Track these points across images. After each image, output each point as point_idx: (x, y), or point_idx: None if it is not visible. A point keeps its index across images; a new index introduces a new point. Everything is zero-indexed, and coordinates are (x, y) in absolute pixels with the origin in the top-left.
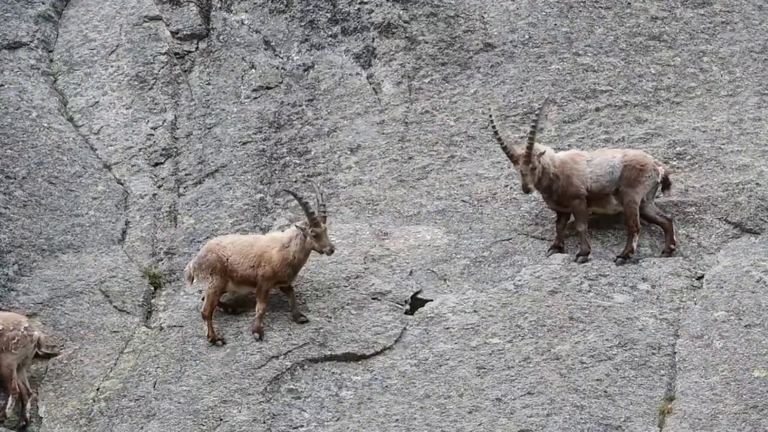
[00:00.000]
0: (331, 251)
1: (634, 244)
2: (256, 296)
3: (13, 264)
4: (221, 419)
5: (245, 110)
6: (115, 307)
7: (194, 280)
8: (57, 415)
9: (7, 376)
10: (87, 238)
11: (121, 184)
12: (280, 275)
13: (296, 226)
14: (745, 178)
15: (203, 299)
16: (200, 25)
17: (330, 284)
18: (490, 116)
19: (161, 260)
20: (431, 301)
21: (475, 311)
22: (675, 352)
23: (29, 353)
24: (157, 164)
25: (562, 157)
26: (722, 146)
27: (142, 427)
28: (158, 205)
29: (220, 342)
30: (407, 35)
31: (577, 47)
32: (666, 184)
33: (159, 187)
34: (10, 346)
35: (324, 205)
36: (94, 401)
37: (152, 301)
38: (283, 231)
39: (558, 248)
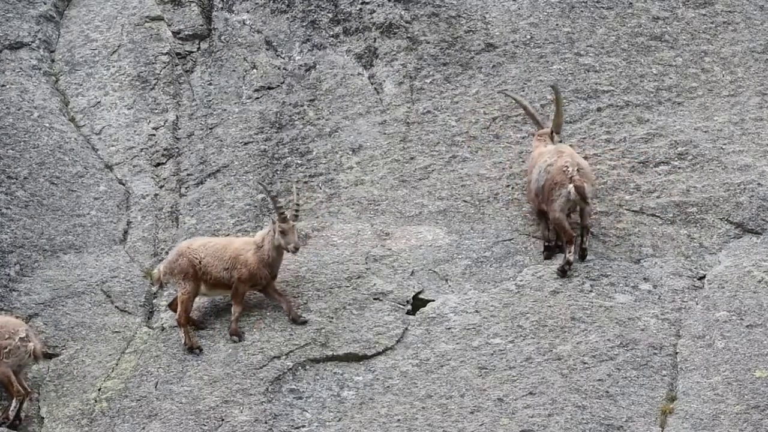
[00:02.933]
0: (296, 249)
1: (570, 257)
2: (232, 299)
3: (15, 264)
4: (223, 419)
5: (247, 110)
6: (116, 307)
7: (163, 285)
8: (58, 416)
9: (6, 383)
10: (88, 238)
11: (123, 185)
12: (257, 277)
13: (271, 221)
14: (747, 178)
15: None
16: (202, 25)
17: (331, 284)
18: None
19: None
20: (433, 301)
21: (476, 311)
22: (676, 353)
23: (23, 362)
24: (158, 164)
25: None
26: (724, 146)
27: (143, 428)
28: (160, 205)
29: (197, 350)
30: (409, 35)
31: (578, 47)
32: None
33: (160, 187)
34: (2, 355)
35: (298, 205)
36: (96, 401)
37: (154, 301)
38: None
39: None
